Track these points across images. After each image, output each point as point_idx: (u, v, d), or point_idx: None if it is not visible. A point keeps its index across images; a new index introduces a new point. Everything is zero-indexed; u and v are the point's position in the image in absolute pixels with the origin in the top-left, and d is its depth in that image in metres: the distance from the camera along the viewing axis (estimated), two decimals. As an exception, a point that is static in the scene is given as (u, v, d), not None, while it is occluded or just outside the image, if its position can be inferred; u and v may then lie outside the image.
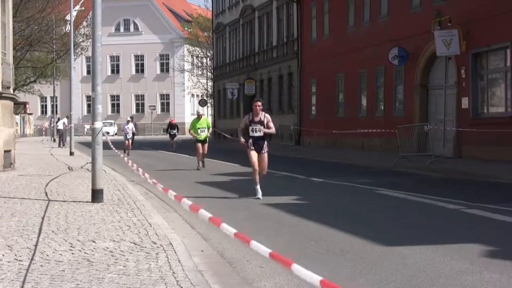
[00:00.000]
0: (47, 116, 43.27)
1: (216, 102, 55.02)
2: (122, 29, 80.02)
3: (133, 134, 32.26)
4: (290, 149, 32.48)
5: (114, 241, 7.49)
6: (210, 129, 21.36)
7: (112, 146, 20.08)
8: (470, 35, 21.66)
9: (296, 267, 4.05)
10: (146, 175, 10.27)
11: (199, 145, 20.55)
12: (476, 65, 22.01)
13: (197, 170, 20.26)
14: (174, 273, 5.96)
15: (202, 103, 61.34)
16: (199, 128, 20.76)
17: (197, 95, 72.68)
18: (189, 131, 21.47)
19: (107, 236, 7.82)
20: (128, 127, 30.35)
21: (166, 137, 36.55)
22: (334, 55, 32.34)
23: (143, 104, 79.32)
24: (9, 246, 7.17)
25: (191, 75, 68.45)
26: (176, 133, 33.75)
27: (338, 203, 12.15)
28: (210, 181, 16.56)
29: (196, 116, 21.26)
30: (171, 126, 33.56)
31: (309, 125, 35.17)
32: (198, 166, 20.72)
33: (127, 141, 29.96)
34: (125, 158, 15.87)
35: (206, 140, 20.90)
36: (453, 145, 22.59)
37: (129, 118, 32.30)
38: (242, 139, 12.92)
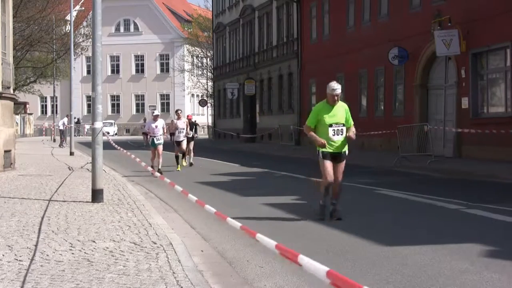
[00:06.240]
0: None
1: (216, 102, 55.02)
2: (122, 29, 80.00)
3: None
4: (290, 149, 32.46)
5: (114, 241, 7.49)
6: (352, 128, 9.79)
7: (117, 146, 19.22)
8: (470, 35, 21.65)
9: (303, 258, 4.05)
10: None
11: (328, 165, 9.76)
12: (476, 65, 22.01)
13: (332, 217, 9.69)
14: (174, 273, 5.96)
15: (202, 103, 61.37)
16: (330, 126, 9.56)
17: (197, 95, 72.72)
18: (307, 131, 9.82)
19: (107, 236, 7.82)
20: (156, 126, 18.78)
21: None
22: (334, 55, 32.34)
23: (143, 104, 79.29)
24: (9, 246, 7.17)
25: (191, 75, 68.47)
26: (195, 136, 22.77)
27: (338, 203, 12.11)
28: (209, 181, 16.54)
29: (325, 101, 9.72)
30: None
31: (309, 125, 35.11)
32: (331, 206, 9.85)
33: (154, 150, 18.79)
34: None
35: (345, 154, 9.90)
36: (453, 145, 22.58)
37: (157, 112, 19.67)
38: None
